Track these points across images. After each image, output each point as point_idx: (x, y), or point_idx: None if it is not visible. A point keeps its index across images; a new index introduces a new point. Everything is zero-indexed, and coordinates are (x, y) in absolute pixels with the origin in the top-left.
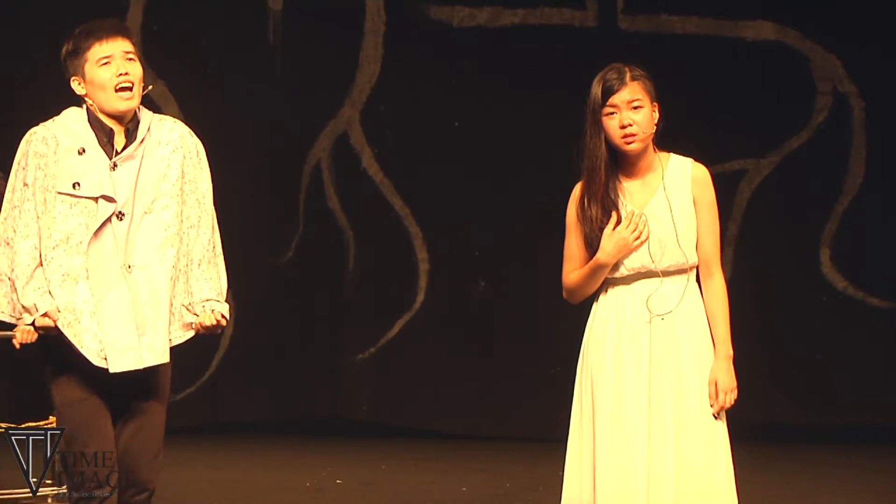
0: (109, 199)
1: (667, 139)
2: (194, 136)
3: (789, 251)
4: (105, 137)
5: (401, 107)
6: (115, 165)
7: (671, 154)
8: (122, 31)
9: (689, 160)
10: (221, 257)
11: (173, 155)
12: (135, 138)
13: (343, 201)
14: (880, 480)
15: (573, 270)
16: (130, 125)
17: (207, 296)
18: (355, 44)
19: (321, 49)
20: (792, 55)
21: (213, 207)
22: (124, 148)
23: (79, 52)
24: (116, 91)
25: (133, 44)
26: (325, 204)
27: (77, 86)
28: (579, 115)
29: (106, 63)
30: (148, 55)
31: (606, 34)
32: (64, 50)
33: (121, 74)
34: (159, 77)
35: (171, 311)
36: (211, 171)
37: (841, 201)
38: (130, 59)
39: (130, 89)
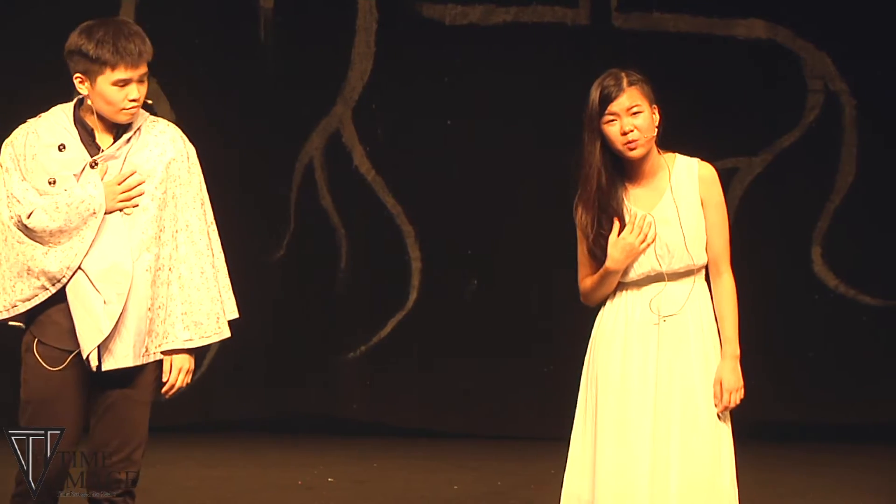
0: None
1: (661, 137)
2: (187, 140)
3: (781, 249)
4: (88, 136)
5: (393, 105)
6: (94, 164)
7: (677, 154)
8: (146, 55)
9: (696, 160)
10: (221, 270)
11: (160, 158)
12: (120, 137)
13: (335, 199)
14: (874, 479)
15: (587, 276)
16: (121, 125)
17: (181, 338)
18: (347, 42)
19: (313, 47)
20: (783, 53)
21: (206, 214)
22: (110, 147)
23: (99, 64)
24: (121, 111)
25: (149, 64)
26: (318, 202)
27: (80, 84)
28: (574, 114)
29: (122, 86)
30: None
31: (599, 32)
32: (79, 45)
33: (131, 100)
34: (151, 75)
35: (146, 318)
36: (202, 169)
37: (832, 199)
38: (142, 82)
39: (136, 111)
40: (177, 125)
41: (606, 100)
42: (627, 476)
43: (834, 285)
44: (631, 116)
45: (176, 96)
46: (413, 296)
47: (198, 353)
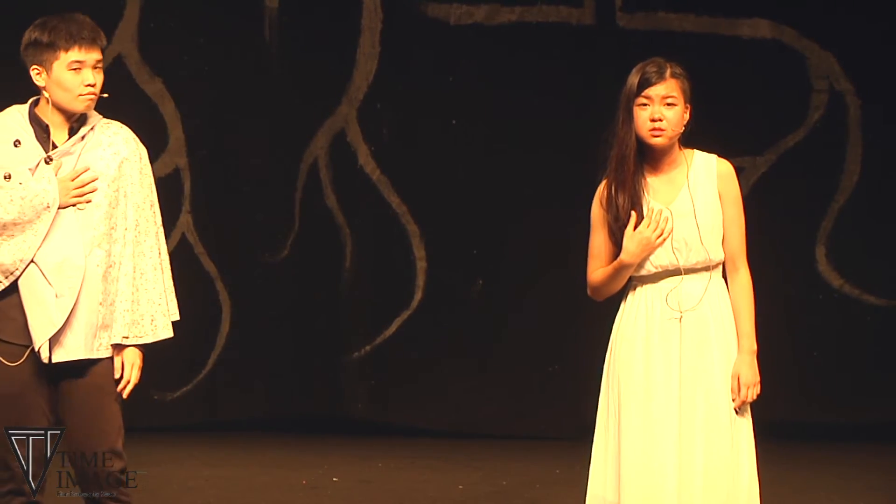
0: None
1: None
2: (139, 143)
3: (785, 249)
4: (43, 133)
5: (398, 104)
6: (49, 159)
7: (695, 150)
8: (99, 41)
9: (714, 156)
10: (166, 272)
11: (113, 157)
12: (76, 134)
13: (340, 199)
14: (878, 478)
15: (598, 268)
16: (76, 124)
17: (119, 335)
18: (352, 41)
19: (318, 47)
20: (788, 53)
21: (156, 215)
22: (64, 144)
23: (54, 48)
24: (79, 97)
25: (102, 51)
26: (322, 201)
27: (37, 76)
28: (576, 113)
29: (77, 69)
30: (144, 52)
31: (604, 32)
32: (33, 36)
33: (88, 85)
34: (156, 75)
35: (98, 312)
36: (207, 168)
37: (837, 199)
38: (98, 69)
39: (93, 98)
40: (181, 124)
41: (645, 83)
42: (654, 476)
43: (838, 285)
44: (664, 106)
45: (181, 96)
46: (418, 295)
47: (202, 353)
